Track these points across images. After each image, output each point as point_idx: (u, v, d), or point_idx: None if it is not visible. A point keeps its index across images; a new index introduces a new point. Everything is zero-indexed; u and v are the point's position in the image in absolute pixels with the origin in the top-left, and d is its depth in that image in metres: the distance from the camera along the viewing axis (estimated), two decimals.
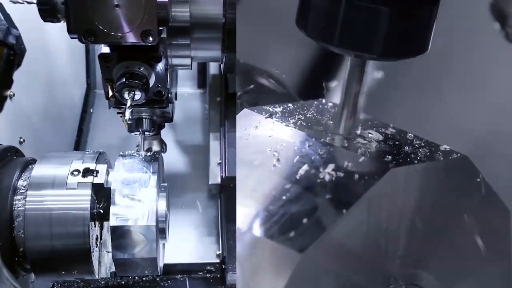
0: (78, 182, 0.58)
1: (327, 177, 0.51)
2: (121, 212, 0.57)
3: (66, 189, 0.58)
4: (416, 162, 0.54)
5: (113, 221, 0.57)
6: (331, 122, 0.59)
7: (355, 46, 0.50)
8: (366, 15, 0.48)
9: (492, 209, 0.58)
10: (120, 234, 0.57)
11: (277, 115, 0.59)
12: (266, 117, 0.58)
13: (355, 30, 0.49)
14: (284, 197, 0.49)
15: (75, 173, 0.59)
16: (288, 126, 0.57)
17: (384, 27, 0.48)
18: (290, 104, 0.62)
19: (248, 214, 0.49)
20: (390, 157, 0.53)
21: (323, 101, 0.65)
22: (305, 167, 0.52)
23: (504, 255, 0.58)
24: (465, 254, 0.58)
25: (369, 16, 0.48)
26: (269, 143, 0.55)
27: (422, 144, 0.58)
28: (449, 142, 0.58)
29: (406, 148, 0.56)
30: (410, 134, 0.60)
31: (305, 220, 0.48)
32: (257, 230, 0.48)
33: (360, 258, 0.53)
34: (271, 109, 0.60)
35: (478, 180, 0.57)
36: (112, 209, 0.57)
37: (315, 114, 0.61)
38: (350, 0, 0.48)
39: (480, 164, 0.57)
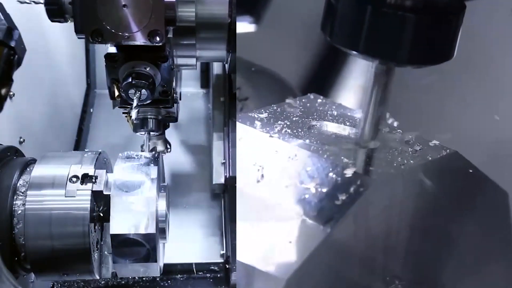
0: (77, 190, 0.57)
1: (312, 191, 0.50)
2: (121, 220, 0.57)
3: (66, 197, 0.57)
4: (402, 165, 0.53)
5: (113, 229, 0.56)
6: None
7: (381, 53, 0.50)
8: (392, 22, 0.48)
9: (490, 195, 0.58)
10: (120, 242, 0.57)
11: (262, 121, 0.58)
12: (249, 127, 0.56)
13: (381, 37, 0.49)
14: (268, 217, 0.49)
15: (74, 179, 0.58)
16: (272, 137, 0.56)
17: (410, 34, 0.48)
18: (275, 107, 0.62)
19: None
20: (373, 168, 0.52)
21: (311, 96, 0.65)
22: (289, 181, 0.51)
23: (507, 253, 0.59)
24: (466, 251, 0.58)
25: (395, 23, 0.48)
26: (253, 156, 0.54)
27: (412, 141, 0.58)
28: (463, 147, 0.58)
29: (394, 149, 0.56)
30: (399, 130, 0.60)
31: (290, 242, 0.48)
32: (243, 255, 0.48)
33: (361, 258, 0.53)
34: (256, 116, 0.59)
35: (471, 171, 0.57)
36: (112, 216, 0.57)
37: (301, 115, 0.60)
38: (377, 7, 0.48)
39: (494, 170, 0.57)
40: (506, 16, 0.71)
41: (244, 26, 0.67)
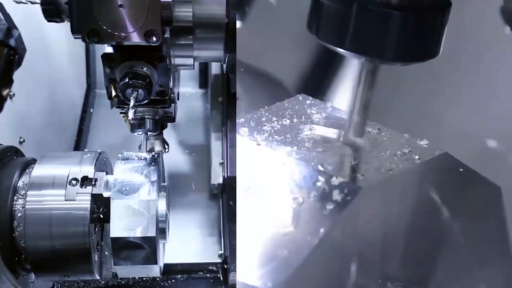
0: (76, 193, 0.58)
1: (300, 200, 0.50)
2: (121, 223, 0.57)
3: (66, 200, 0.57)
4: (391, 170, 0.53)
5: (113, 232, 0.57)
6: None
7: (366, 50, 0.50)
8: (377, 20, 0.48)
9: (483, 192, 0.58)
10: (120, 245, 0.57)
11: (250, 128, 0.57)
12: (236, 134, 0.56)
13: (366, 34, 0.49)
14: (258, 226, 0.49)
15: (73, 182, 0.58)
16: (260, 144, 0.55)
17: (396, 31, 0.49)
18: (263, 111, 0.61)
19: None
20: (362, 176, 0.52)
21: (300, 97, 0.65)
22: (277, 190, 0.51)
23: (503, 249, 0.59)
24: (461, 250, 0.58)
25: (381, 20, 0.48)
26: (240, 164, 0.54)
27: (401, 143, 0.58)
28: (453, 146, 0.58)
29: (382, 153, 0.56)
30: (383, 134, 0.60)
31: (279, 253, 0.48)
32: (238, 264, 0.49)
33: (354, 262, 0.53)
34: (243, 119, 0.59)
35: (461, 170, 0.57)
36: (112, 219, 0.57)
37: (290, 119, 0.60)
38: (362, 5, 0.48)
39: (487, 169, 0.57)
40: (494, 13, 0.71)
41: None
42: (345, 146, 0.57)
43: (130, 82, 0.60)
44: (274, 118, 0.60)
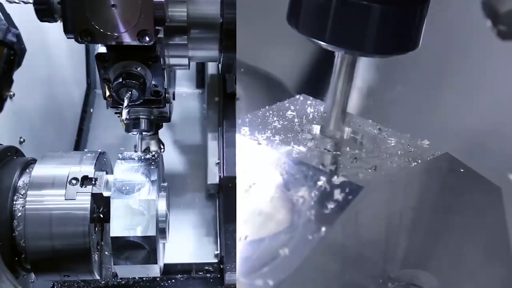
0: (76, 192, 0.58)
1: (301, 200, 0.49)
2: (121, 222, 0.57)
3: (66, 200, 0.58)
4: (392, 170, 0.52)
5: (113, 232, 0.57)
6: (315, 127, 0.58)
7: (346, 42, 0.50)
8: (357, 12, 0.48)
9: (484, 192, 0.57)
10: (120, 245, 0.57)
11: (250, 127, 0.56)
12: (237, 133, 0.56)
13: (346, 27, 0.49)
14: (258, 226, 0.49)
15: (73, 181, 0.58)
16: (260, 144, 0.55)
17: (375, 24, 0.48)
18: (264, 110, 0.60)
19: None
20: (363, 175, 0.51)
21: (301, 98, 0.64)
22: (278, 190, 0.50)
23: (504, 254, 0.58)
24: (463, 252, 0.57)
25: (360, 13, 0.48)
26: (241, 164, 0.53)
27: (402, 142, 0.57)
28: (442, 140, 0.58)
29: (383, 153, 0.55)
30: (384, 134, 0.59)
31: (281, 251, 0.47)
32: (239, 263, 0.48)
33: (354, 262, 0.52)
34: (246, 120, 0.58)
35: (462, 170, 0.56)
36: (112, 219, 0.57)
37: (292, 119, 0.59)
38: None
39: (476, 161, 0.57)
40: (475, 7, 0.69)
41: None
42: (346, 145, 0.56)
43: (123, 82, 0.59)
44: (275, 118, 0.60)
